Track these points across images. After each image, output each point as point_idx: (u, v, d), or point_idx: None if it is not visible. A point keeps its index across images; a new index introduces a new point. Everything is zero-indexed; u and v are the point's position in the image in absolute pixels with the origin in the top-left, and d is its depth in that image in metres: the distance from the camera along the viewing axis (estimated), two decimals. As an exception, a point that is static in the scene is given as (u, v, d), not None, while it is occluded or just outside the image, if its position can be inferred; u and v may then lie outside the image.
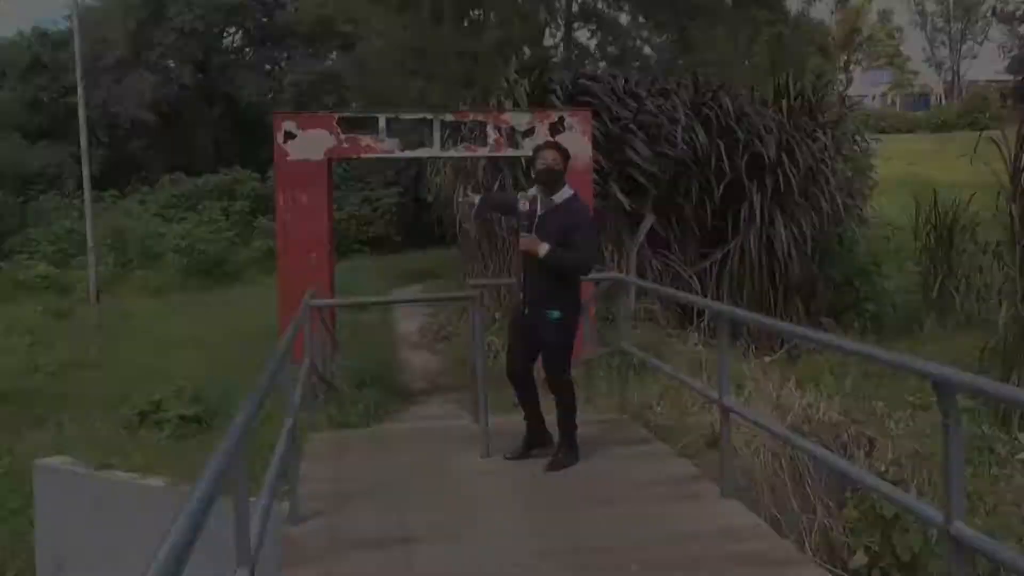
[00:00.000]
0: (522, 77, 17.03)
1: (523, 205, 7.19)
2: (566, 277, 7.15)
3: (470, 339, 9.00)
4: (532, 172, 7.41)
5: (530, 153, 12.57)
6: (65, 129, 41.82)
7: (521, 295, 7.28)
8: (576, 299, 7.36)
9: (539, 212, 7.07)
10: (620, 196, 14.71)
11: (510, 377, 7.44)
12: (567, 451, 7.34)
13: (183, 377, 12.17)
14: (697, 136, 15.40)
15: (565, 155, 7.27)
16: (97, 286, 22.43)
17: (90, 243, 22.80)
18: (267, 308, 20.93)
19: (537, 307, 7.10)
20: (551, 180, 7.12)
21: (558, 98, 15.14)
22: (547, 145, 7.51)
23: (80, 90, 23.31)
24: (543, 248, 6.90)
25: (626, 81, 16.28)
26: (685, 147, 15.24)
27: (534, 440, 7.54)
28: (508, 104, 16.15)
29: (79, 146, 24.15)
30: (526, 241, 6.98)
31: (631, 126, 14.98)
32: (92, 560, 9.02)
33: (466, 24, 28.91)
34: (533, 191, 7.26)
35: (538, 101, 15.45)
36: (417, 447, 8.17)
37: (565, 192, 7.18)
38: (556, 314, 7.06)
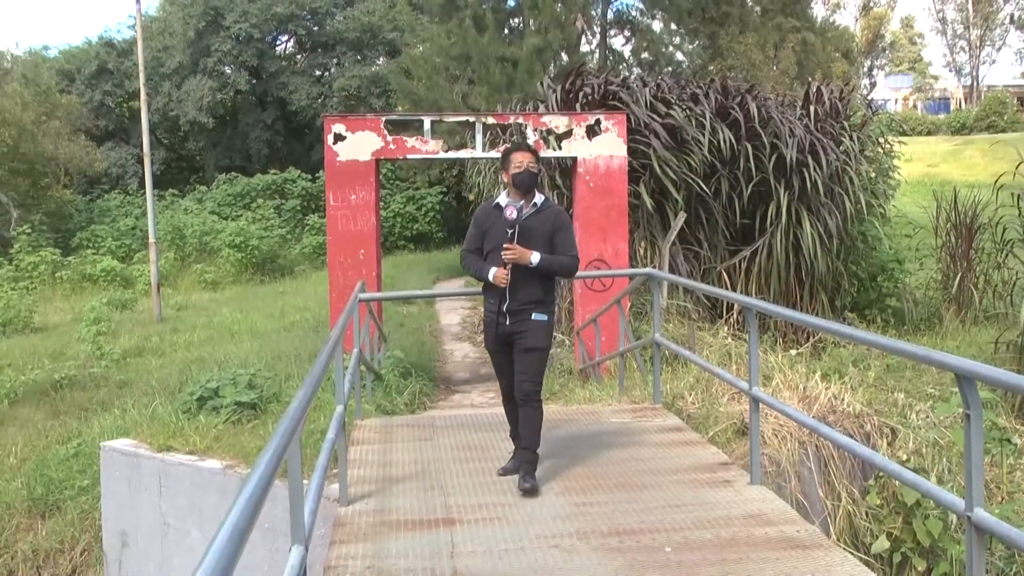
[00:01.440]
0: (555, 84, 17.02)
1: (510, 212, 6.39)
2: (551, 280, 6.63)
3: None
4: (504, 177, 6.64)
5: (568, 154, 12.64)
6: (128, 132, 42.45)
7: (504, 305, 6.48)
8: (555, 302, 6.89)
9: (519, 218, 6.41)
10: (646, 197, 14.66)
11: (508, 400, 6.80)
12: (535, 462, 6.58)
13: (238, 365, 12.26)
14: (724, 139, 15.32)
15: (538, 157, 6.71)
16: (158, 279, 22.60)
17: (151, 239, 22.99)
18: (317, 301, 21.14)
19: (521, 314, 6.45)
20: (529, 183, 6.50)
21: (583, 106, 15.11)
22: (519, 147, 6.71)
23: (143, 95, 23.49)
24: (535, 256, 6.34)
25: (657, 87, 16.22)
26: (709, 152, 15.18)
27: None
28: (541, 108, 16.15)
29: (141, 148, 24.35)
30: (516, 252, 6.32)
31: (657, 132, 14.91)
32: (154, 536, 9.11)
33: (506, 31, 28.96)
34: (504, 197, 6.60)
35: (569, 107, 15.45)
36: (459, 433, 8.17)
37: (538, 195, 6.61)
38: (544, 317, 6.52)
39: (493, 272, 6.43)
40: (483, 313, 6.83)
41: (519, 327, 6.45)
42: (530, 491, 6.24)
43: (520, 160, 6.49)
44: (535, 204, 6.52)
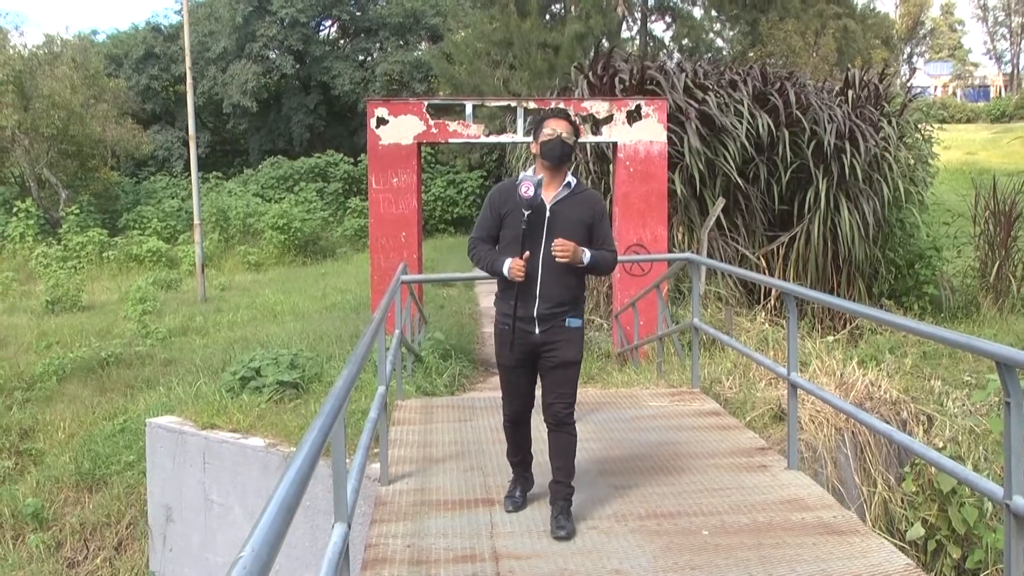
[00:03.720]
0: (585, 70, 16.99)
1: (527, 190, 5.15)
2: (584, 276, 5.50)
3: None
4: (533, 147, 5.43)
5: (609, 139, 12.59)
6: (174, 115, 42.79)
7: (534, 308, 5.28)
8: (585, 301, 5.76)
9: (549, 202, 5.28)
10: (679, 185, 14.56)
11: (517, 424, 5.65)
12: (571, 497, 5.48)
13: (281, 345, 12.34)
14: (762, 125, 15.19)
15: (576, 129, 5.48)
16: (202, 260, 22.78)
17: (196, 220, 23.18)
18: (358, 283, 21.25)
19: (554, 319, 5.29)
20: (563, 156, 5.31)
21: (621, 91, 15.04)
22: (555, 113, 5.48)
23: (189, 79, 23.64)
24: (586, 255, 5.25)
25: (694, 73, 16.11)
26: (747, 138, 15.06)
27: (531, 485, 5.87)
28: (571, 94, 16.13)
29: (187, 131, 24.52)
30: (570, 249, 5.15)
31: (694, 118, 14.81)
32: (198, 511, 9.20)
33: (548, 17, 28.95)
34: (529, 174, 5.29)
35: (603, 93, 15.39)
36: (498, 415, 8.13)
37: (570, 175, 5.42)
38: (579, 323, 5.40)
39: (508, 265, 5.24)
40: (498, 320, 5.47)
41: (552, 336, 5.30)
42: (566, 537, 5.20)
43: (553, 127, 5.32)
44: (568, 184, 5.35)
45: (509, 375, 5.49)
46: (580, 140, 12.61)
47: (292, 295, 21.53)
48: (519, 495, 5.70)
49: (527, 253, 5.20)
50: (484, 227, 5.44)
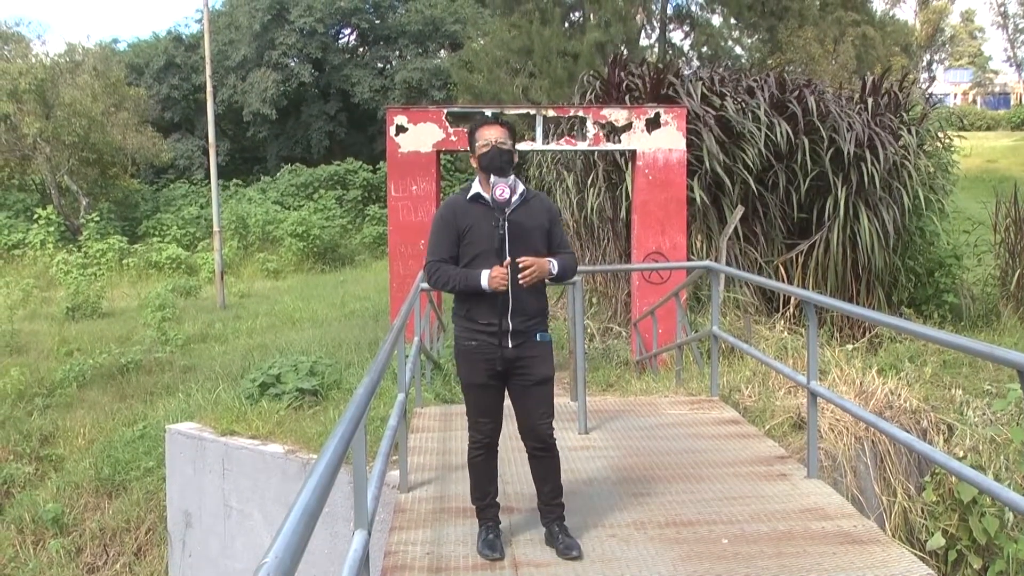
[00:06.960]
0: (595, 77, 17.00)
1: (501, 191, 4.95)
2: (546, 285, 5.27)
3: (568, 321, 9.00)
4: (472, 160, 5.14)
5: (628, 147, 12.57)
6: (194, 123, 43.01)
7: (508, 322, 5.03)
8: None
9: (508, 209, 5.01)
10: (699, 192, 14.51)
11: (488, 451, 5.36)
12: (563, 512, 5.33)
13: (300, 352, 12.36)
14: (781, 133, 15.12)
15: (512, 133, 5.16)
16: (221, 267, 22.87)
17: (216, 228, 23.27)
18: (376, 290, 21.29)
19: (527, 334, 5.09)
20: (504, 164, 4.99)
21: (633, 99, 15.03)
22: (485, 122, 5.16)
23: (209, 87, 23.75)
24: (553, 266, 5.07)
25: (711, 80, 16.06)
26: (766, 146, 15.00)
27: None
28: (576, 100, 16.15)
29: (207, 139, 24.63)
30: (536, 265, 4.93)
31: (712, 125, 14.75)
32: (217, 517, 9.22)
33: (567, 26, 29.00)
34: (477, 187, 5.11)
35: (619, 100, 15.37)
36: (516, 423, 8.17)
37: (519, 183, 5.14)
38: (548, 336, 5.24)
39: (487, 275, 4.94)
40: (462, 337, 5.19)
41: (525, 351, 5.09)
42: (579, 556, 5.06)
43: (487, 137, 5.04)
44: (523, 194, 5.11)
45: (480, 395, 5.19)
46: (600, 148, 12.65)
47: (311, 302, 21.59)
48: (498, 539, 5.23)
49: (507, 260, 4.93)
50: (443, 248, 5.07)
